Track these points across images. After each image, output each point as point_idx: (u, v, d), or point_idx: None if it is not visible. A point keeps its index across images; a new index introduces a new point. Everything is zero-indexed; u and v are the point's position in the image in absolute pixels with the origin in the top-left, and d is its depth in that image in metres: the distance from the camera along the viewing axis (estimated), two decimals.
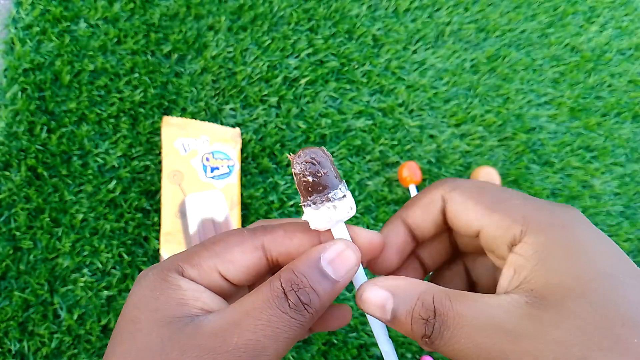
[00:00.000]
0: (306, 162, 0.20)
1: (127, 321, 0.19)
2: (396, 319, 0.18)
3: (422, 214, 0.22)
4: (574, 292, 0.16)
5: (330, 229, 0.21)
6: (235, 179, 0.32)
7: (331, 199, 0.20)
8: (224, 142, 0.33)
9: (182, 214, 0.29)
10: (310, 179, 0.20)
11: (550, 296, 0.16)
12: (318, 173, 0.20)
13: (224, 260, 0.20)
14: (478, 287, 0.25)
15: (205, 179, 0.32)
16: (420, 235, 0.23)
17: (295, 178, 0.20)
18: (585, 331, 0.15)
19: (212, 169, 0.32)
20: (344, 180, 0.29)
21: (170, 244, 0.40)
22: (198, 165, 0.32)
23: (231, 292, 0.21)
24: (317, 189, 0.20)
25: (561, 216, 0.19)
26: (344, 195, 0.21)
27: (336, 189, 0.20)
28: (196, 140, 0.32)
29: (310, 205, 0.21)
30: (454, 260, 0.26)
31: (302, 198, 0.21)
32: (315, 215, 0.20)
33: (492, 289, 0.22)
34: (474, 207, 0.20)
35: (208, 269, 0.20)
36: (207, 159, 0.32)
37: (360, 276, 0.21)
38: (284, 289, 0.18)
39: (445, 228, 0.23)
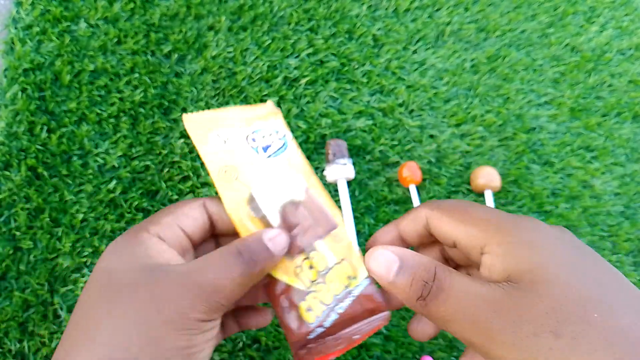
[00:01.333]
0: (332, 144, 0.43)
1: (101, 271, 0.23)
2: (396, 281, 0.23)
3: (410, 225, 0.27)
4: (541, 277, 0.20)
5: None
6: (294, 148, 0.29)
7: (339, 163, 0.41)
8: (262, 118, 0.29)
9: (256, 209, 0.27)
10: (331, 150, 0.42)
11: (522, 280, 0.20)
12: (336, 149, 0.42)
13: (178, 214, 0.26)
14: None
15: (262, 161, 0.28)
16: (409, 241, 0.28)
17: (325, 151, 0.33)
18: (555, 308, 0.19)
19: (265, 148, 0.28)
20: (352, 159, 0.48)
21: None
22: (248, 151, 0.28)
23: (189, 251, 0.27)
24: (334, 156, 0.42)
25: (520, 222, 0.23)
26: (345, 164, 0.41)
27: (344, 159, 0.41)
28: (232, 128, 0.28)
29: (328, 163, 0.41)
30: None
31: (326, 162, 0.42)
32: (329, 170, 0.41)
33: None
34: (449, 221, 0.25)
35: (167, 224, 0.25)
36: (254, 140, 0.28)
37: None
38: (238, 249, 0.24)
39: (433, 240, 0.27)
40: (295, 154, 0.29)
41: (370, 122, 0.60)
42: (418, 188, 0.58)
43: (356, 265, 0.28)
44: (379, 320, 0.27)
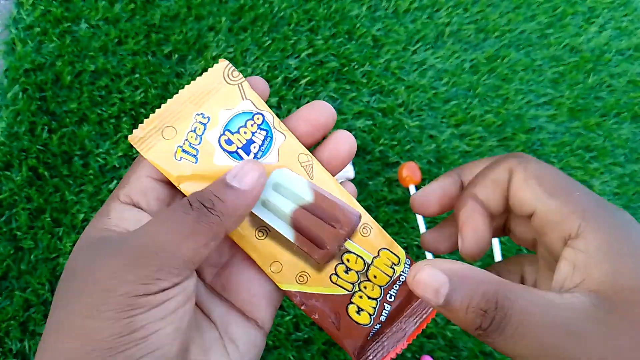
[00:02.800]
0: None
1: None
2: (449, 305, 0.17)
3: (493, 189, 0.21)
4: None
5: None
6: (279, 133, 0.23)
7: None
8: (222, 104, 0.22)
9: (263, 229, 0.22)
10: None
11: (617, 299, 0.16)
12: None
13: (145, 164, 0.22)
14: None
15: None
16: (495, 212, 0.22)
17: None
18: None
19: (246, 149, 0.22)
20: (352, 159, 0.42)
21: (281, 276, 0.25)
22: (227, 161, 0.22)
23: (166, 200, 0.22)
24: None
25: (620, 216, 0.18)
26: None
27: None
28: (195, 130, 0.22)
29: None
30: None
31: None
32: None
33: (534, 282, 0.22)
34: (535, 187, 0.20)
35: (136, 179, 0.21)
36: (229, 141, 0.22)
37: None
38: (189, 202, 0.19)
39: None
40: (284, 142, 0.23)
41: (370, 122, 0.61)
42: (418, 188, 0.58)
43: (396, 251, 0.25)
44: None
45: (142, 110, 0.55)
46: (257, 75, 0.60)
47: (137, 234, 0.18)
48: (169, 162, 0.22)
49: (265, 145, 0.23)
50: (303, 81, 0.61)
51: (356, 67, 0.63)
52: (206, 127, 0.22)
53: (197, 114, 0.22)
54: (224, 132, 0.22)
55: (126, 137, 0.54)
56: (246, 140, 0.22)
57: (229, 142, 0.22)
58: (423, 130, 0.62)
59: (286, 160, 0.23)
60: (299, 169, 0.23)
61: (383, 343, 0.23)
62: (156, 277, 0.17)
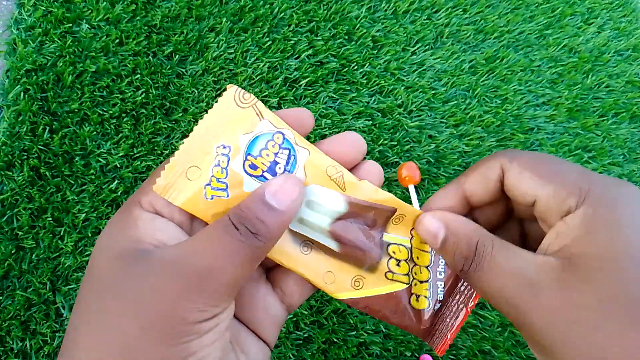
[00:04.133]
0: None
1: (89, 264, 0.19)
2: (443, 248, 0.21)
3: (479, 182, 0.23)
4: (606, 266, 0.17)
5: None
6: (302, 149, 0.23)
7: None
8: (242, 127, 0.22)
9: (307, 244, 0.22)
10: None
11: (583, 265, 0.17)
12: None
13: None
14: (530, 240, 0.26)
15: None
16: (476, 202, 0.24)
17: None
18: (605, 303, 0.16)
19: (272, 170, 0.22)
20: None
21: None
22: (254, 186, 0.21)
23: (189, 221, 0.22)
24: None
25: (615, 190, 0.19)
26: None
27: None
28: (213, 163, 0.21)
29: None
30: (508, 220, 0.26)
31: None
32: None
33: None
34: (531, 177, 0.21)
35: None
36: (253, 166, 0.22)
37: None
38: (232, 222, 0.18)
39: (501, 196, 0.23)
40: (308, 158, 0.23)
41: (370, 122, 0.61)
42: (417, 188, 0.58)
43: (414, 212, 0.25)
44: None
45: (143, 110, 0.55)
46: (257, 75, 0.60)
47: (186, 255, 0.18)
48: (200, 204, 0.21)
49: (290, 165, 0.22)
50: (303, 82, 0.61)
51: (356, 67, 0.64)
52: (229, 157, 0.22)
53: (218, 147, 0.22)
54: (246, 157, 0.22)
55: (127, 137, 0.54)
56: (270, 162, 0.22)
57: (253, 166, 0.22)
58: (422, 130, 0.62)
59: (314, 175, 0.23)
60: (328, 182, 0.23)
61: (445, 320, 0.24)
62: (212, 304, 0.17)
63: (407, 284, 0.24)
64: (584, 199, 0.19)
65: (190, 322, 0.17)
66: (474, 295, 0.24)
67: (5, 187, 0.50)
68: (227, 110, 0.22)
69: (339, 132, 0.63)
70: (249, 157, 0.22)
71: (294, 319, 0.51)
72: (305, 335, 0.51)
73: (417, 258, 0.24)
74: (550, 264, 0.18)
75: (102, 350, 0.17)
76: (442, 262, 0.25)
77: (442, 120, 0.63)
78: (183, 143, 0.21)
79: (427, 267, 0.24)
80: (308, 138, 0.63)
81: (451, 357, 0.52)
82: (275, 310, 0.23)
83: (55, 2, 0.58)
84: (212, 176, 0.21)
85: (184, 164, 0.21)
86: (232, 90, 0.22)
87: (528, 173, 0.21)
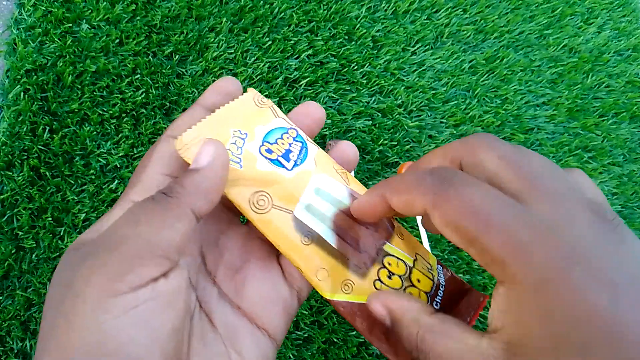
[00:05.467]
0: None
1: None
2: (394, 332, 0.21)
3: (404, 207, 0.21)
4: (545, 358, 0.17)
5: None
6: (312, 145, 0.24)
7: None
8: (258, 120, 0.23)
9: (308, 233, 0.22)
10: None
11: (522, 353, 0.17)
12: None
13: (154, 158, 0.22)
14: None
15: (291, 174, 0.23)
16: (405, 214, 0.23)
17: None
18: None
19: (286, 157, 0.23)
20: None
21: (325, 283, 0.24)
22: (268, 167, 0.22)
23: None
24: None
25: (541, 270, 0.17)
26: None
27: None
28: (229, 140, 0.22)
29: None
30: None
31: None
32: None
33: None
34: (452, 236, 0.19)
35: (149, 176, 0.21)
36: (269, 151, 0.23)
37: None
38: (152, 196, 0.19)
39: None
40: (318, 152, 0.24)
41: (370, 122, 0.61)
42: None
43: (426, 254, 0.25)
44: (476, 300, 0.24)
45: (143, 110, 0.55)
46: (257, 75, 0.60)
47: (104, 234, 0.18)
48: None
49: (302, 154, 0.24)
50: (303, 82, 0.61)
51: (356, 67, 0.64)
52: (245, 141, 0.23)
53: (235, 130, 0.23)
54: (262, 143, 0.23)
55: (127, 137, 0.54)
56: (284, 150, 0.23)
57: (269, 151, 0.23)
58: (422, 130, 0.62)
59: (323, 167, 0.24)
60: (335, 175, 0.24)
61: None
62: (126, 272, 0.16)
63: None
64: (508, 270, 0.17)
65: (102, 297, 0.16)
66: (474, 314, 0.23)
67: (5, 187, 0.50)
68: (245, 107, 0.23)
69: (339, 132, 0.63)
70: (265, 143, 0.23)
71: (294, 319, 0.51)
72: (306, 335, 0.51)
73: (418, 281, 0.23)
74: (494, 351, 0.18)
75: (48, 348, 0.17)
76: (440, 292, 0.24)
77: (442, 120, 0.63)
78: (196, 125, 0.22)
79: (427, 293, 0.23)
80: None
81: None
82: (283, 291, 0.23)
83: (55, 2, 0.58)
84: (228, 149, 0.22)
85: (201, 134, 0.22)
86: (251, 92, 0.24)
87: (448, 231, 0.19)
